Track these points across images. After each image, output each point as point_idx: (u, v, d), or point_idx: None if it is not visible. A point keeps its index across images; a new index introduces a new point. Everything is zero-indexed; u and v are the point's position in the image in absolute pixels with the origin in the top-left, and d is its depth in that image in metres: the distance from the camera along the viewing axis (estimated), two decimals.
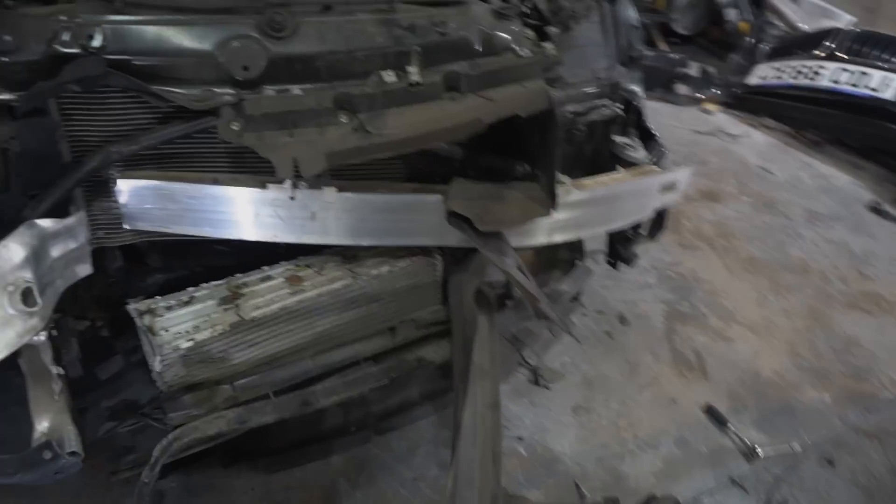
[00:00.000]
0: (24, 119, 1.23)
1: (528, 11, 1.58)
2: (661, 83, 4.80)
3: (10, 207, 1.26)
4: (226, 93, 1.31)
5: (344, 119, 1.32)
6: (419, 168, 1.57)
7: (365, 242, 1.55)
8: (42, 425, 1.34)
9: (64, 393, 1.37)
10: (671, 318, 2.76)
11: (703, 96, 4.85)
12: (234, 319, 1.59)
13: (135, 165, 1.40)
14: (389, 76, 1.34)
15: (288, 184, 1.34)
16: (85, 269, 1.35)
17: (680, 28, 5.50)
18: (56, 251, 1.26)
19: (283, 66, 1.32)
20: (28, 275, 1.17)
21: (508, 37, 1.45)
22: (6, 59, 1.16)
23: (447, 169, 1.57)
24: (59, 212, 1.32)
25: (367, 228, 1.52)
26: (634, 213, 1.81)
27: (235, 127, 1.28)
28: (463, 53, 1.41)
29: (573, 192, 1.58)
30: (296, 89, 1.34)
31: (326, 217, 1.48)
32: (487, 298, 1.70)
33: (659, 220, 1.96)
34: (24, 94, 1.19)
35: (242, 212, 1.44)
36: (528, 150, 1.57)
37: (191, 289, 1.60)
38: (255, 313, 1.61)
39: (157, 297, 1.57)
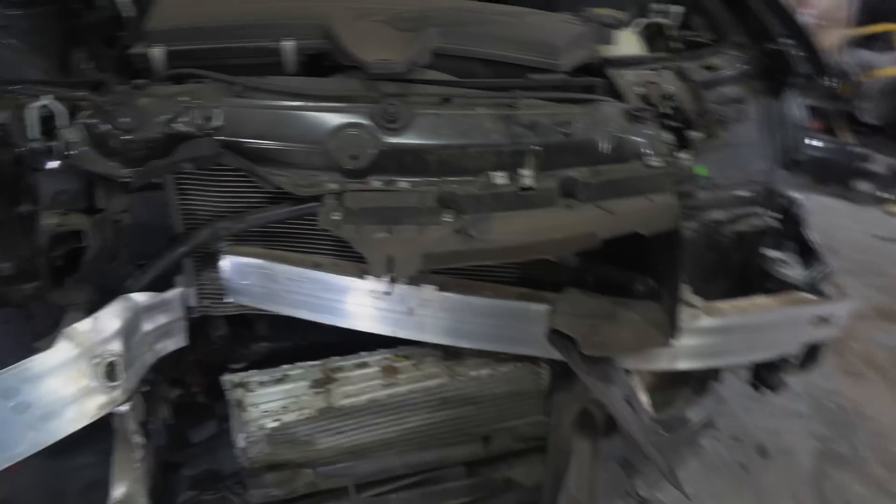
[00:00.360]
0: (137, 193, 1.27)
1: (670, 112, 1.43)
2: (839, 178, 4.34)
3: (115, 277, 1.29)
4: (332, 180, 1.28)
5: (447, 219, 1.24)
6: (528, 272, 1.45)
7: (463, 344, 1.45)
8: (117, 491, 1.33)
9: (144, 462, 1.37)
10: (823, 459, 2.38)
11: (889, 196, 4.32)
12: (322, 405, 1.54)
13: (243, 240, 1.40)
14: (500, 178, 1.24)
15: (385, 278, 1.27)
16: (178, 343, 1.35)
17: (868, 117, 4.99)
18: (149, 325, 1.26)
19: (393, 158, 1.27)
20: (117, 348, 1.17)
21: (642, 141, 1.31)
22: (128, 137, 1.19)
23: (559, 276, 1.43)
24: (163, 283, 1.34)
25: (467, 331, 1.42)
26: (777, 347, 1.56)
27: (336, 217, 1.23)
28: (586, 157, 1.29)
29: (703, 319, 1.39)
30: (402, 182, 1.28)
31: (424, 314, 1.39)
32: (594, 420, 1.52)
33: (812, 353, 1.68)
34: (139, 171, 1.22)
35: (339, 299, 1.39)
36: (652, 265, 1.40)
37: (286, 366, 1.57)
38: (345, 402, 1.55)
39: (252, 371, 1.56)
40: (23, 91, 1.23)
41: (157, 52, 1.31)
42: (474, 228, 1.22)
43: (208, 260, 1.42)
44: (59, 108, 1.18)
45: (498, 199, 1.24)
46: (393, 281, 1.25)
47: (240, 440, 1.51)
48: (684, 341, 1.40)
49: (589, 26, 1.53)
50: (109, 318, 1.17)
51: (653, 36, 1.92)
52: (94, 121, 1.18)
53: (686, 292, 1.40)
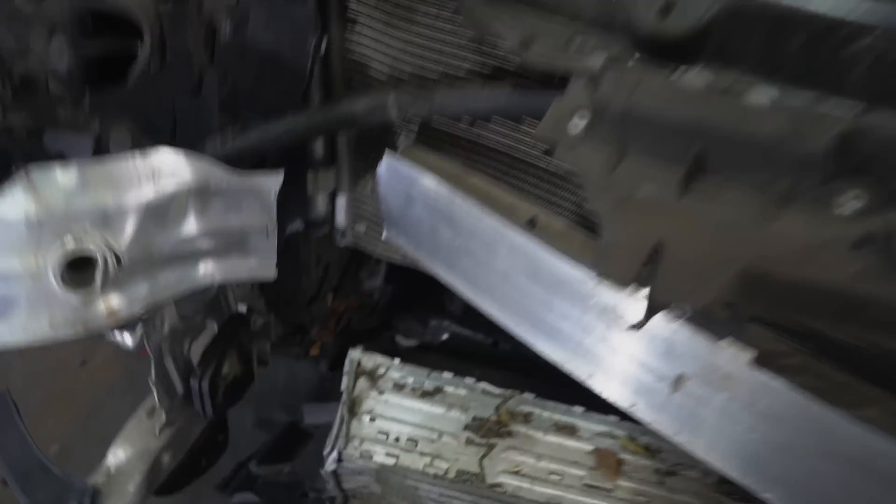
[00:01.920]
0: None
1: None
2: None
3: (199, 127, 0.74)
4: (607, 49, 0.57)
5: (853, 201, 0.46)
6: None
7: (750, 483, 0.63)
8: (111, 456, 0.85)
9: (167, 430, 0.86)
10: None
11: None
12: (471, 469, 0.88)
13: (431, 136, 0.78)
14: None
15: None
16: (263, 271, 0.77)
17: None
18: (210, 221, 0.69)
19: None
20: (122, 242, 0.64)
21: None
22: None
23: None
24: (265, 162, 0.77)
25: (777, 463, 0.61)
26: None
27: (576, 123, 0.54)
28: None
29: None
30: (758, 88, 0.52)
31: (708, 401, 0.62)
32: None
33: None
34: None
35: (553, 303, 0.69)
36: None
37: (447, 375, 0.94)
38: (503, 480, 0.86)
39: (396, 361, 0.95)
40: None
41: None
42: None
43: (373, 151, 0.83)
44: None
45: None
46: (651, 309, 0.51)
47: (329, 461, 0.91)
48: None
49: None
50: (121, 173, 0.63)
51: None
52: None
53: None
